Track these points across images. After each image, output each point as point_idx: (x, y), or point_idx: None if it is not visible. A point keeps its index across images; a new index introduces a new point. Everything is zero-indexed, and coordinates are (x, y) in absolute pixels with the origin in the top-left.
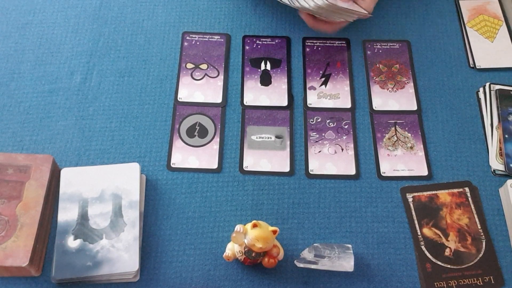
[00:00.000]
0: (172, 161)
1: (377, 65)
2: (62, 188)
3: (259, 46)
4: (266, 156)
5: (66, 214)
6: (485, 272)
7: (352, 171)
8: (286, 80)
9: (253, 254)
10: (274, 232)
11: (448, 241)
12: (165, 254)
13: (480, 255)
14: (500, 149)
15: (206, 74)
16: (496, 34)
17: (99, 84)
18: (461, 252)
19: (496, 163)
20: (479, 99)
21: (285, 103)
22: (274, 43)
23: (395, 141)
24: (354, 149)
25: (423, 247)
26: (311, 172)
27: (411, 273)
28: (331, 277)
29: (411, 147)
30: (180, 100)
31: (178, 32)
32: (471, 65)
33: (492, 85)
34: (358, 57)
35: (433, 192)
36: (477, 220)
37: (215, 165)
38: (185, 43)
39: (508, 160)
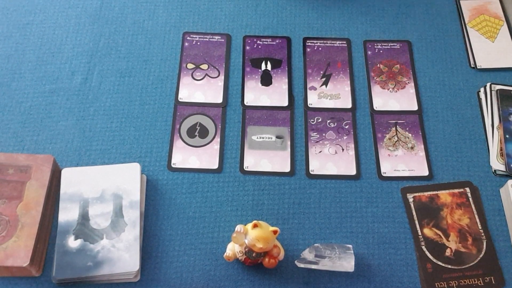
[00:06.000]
0: (173, 161)
1: (378, 65)
2: (62, 188)
3: (259, 46)
4: (266, 156)
5: (67, 214)
6: (486, 272)
7: (353, 171)
8: (286, 80)
9: (254, 254)
10: (275, 232)
11: (449, 241)
12: (166, 254)
13: (481, 255)
14: (501, 149)
15: (206, 74)
16: (497, 34)
17: (99, 84)
18: (462, 253)
19: (497, 163)
20: (480, 99)
21: (285, 103)
22: (274, 43)
23: (395, 141)
24: (354, 149)
25: (423, 247)
26: (311, 172)
27: (412, 273)
28: (331, 277)
29: (412, 147)
30: (180, 100)
31: (179, 32)
32: (472, 65)
33: (493, 85)
34: (359, 57)
35: (434, 192)
36: (477, 220)
37: (215, 165)
38: (186, 43)
39: (509, 160)
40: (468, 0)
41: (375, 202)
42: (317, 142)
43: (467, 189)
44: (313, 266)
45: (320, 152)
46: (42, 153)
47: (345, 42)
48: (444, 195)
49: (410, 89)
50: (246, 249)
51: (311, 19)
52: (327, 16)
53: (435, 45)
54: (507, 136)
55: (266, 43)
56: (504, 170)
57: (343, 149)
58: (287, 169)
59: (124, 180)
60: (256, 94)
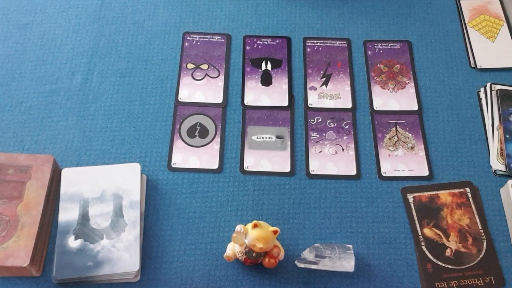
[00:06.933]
0: (173, 161)
1: (378, 65)
2: (63, 188)
3: (259, 46)
4: (266, 156)
5: (67, 214)
6: (486, 272)
7: (353, 171)
8: (286, 80)
9: (254, 254)
10: (275, 232)
11: (449, 241)
12: (166, 254)
13: (481, 256)
14: (501, 149)
15: (206, 74)
16: (497, 34)
17: (100, 84)
18: (462, 253)
19: (497, 163)
20: (480, 99)
21: (285, 103)
22: (274, 43)
23: (395, 141)
24: (354, 149)
25: (423, 247)
26: (311, 172)
27: (412, 273)
28: (331, 277)
29: (412, 147)
30: (180, 100)
31: (179, 32)
32: (472, 65)
33: (493, 85)
34: (359, 57)
35: (434, 192)
36: (478, 220)
37: (215, 165)
38: (186, 43)
39: (509, 160)
40: (468, 0)
41: (375, 202)
42: (317, 142)
43: (467, 189)
44: (313, 266)
45: (320, 152)
46: (42, 153)
47: (345, 42)
48: (444, 195)
49: (410, 89)
50: (246, 249)
51: (311, 19)
52: (327, 16)
53: (435, 45)
54: (507, 136)
55: (266, 43)
56: (504, 170)
57: (343, 149)
58: (287, 169)
59: (124, 180)
60: (256, 94)
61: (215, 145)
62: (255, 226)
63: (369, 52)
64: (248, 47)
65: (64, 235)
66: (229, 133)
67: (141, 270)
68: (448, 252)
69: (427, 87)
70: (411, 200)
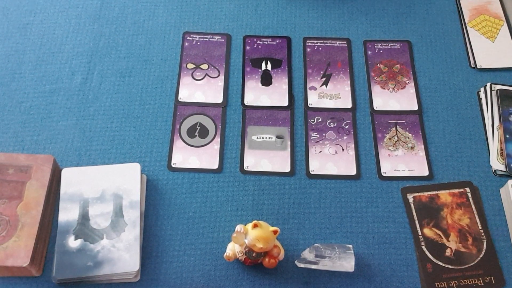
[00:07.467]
0: (173, 161)
1: (378, 65)
2: (63, 188)
3: (259, 46)
4: (266, 156)
5: (67, 214)
6: (486, 272)
7: (353, 171)
8: (286, 80)
9: (254, 254)
10: (275, 232)
11: (449, 241)
12: (166, 254)
13: (481, 255)
14: (501, 149)
15: (206, 74)
16: (497, 34)
17: (100, 84)
18: (462, 253)
19: (497, 163)
20: (480, 99)
21: (285, 103)
22: (274, 43)
23: (395, 141)
24: (354, 149)
25: (423, 247)
26: (311, 172)
27: (412, 274)
28: (331, 277)
29: (412, 147)
30: (180, 100)
31: (179, 32)
32: (472, 65)
33: (493, 85)
34: (359, 57)
35: (434, 192)
36: (478, 220)
37: (215, 165)
38: (186, 43)
39: (509, 160)
40: (468, 0)
41: (375, 202)
42: (317, 142)
43: (467, 189)
44: (313, 266)
45: (320, 152)
46: (42, 153)
47: (345, 42)
48: (444, 195)
49: (410, 89)
50: (246, 249)
51: (311, 19)
52: (327, 16)
53: (435, 45)
54: (507, 136)
55: (266, 43)
56: (504, 170)
57: (343, 149)
58: (287, 169)
59: (124, 180)
60: (256, 94)
61: (215, 145)
62: (255, 226)
63: (369, 52)
64: (248, 47)
65: (64, 235)
66: (229, 133)
67: (141, 270)
68: (448, 252)
69: (427, 87)
70: (411, 200)
